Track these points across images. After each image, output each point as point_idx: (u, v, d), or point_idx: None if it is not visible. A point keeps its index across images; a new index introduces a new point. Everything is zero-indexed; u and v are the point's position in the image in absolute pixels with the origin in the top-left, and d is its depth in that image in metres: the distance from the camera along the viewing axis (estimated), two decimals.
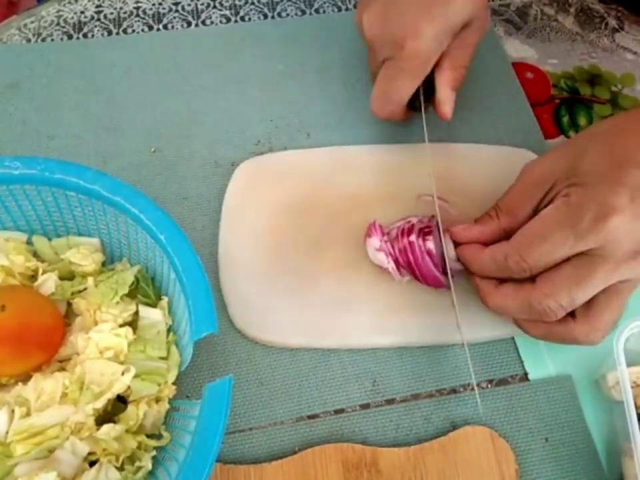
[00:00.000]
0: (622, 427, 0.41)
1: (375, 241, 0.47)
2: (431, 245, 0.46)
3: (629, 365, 0.41)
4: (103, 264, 0.45)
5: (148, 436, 0.40)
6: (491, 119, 0.57)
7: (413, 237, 0.46)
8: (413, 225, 0.47)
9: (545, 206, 0.42)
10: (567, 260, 0.40)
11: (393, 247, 0.47)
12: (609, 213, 0.39)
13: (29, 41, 0.61)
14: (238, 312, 0.47)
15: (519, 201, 0.44)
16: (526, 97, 0.58)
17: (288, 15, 0.62)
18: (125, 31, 0.59)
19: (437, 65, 0.50)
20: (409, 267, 0.47)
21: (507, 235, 0.43)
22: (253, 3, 0.59)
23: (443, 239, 0.46)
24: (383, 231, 0.48)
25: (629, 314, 0.42)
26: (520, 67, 0.60)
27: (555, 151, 0.44)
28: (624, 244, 0.39)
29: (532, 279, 0.42)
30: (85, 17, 0.62)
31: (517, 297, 0.42)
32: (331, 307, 0.47)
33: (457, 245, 0.46)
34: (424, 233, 0.47)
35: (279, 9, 0.62)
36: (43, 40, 0.61)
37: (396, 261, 0.47)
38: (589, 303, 0.41)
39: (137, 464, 0.38)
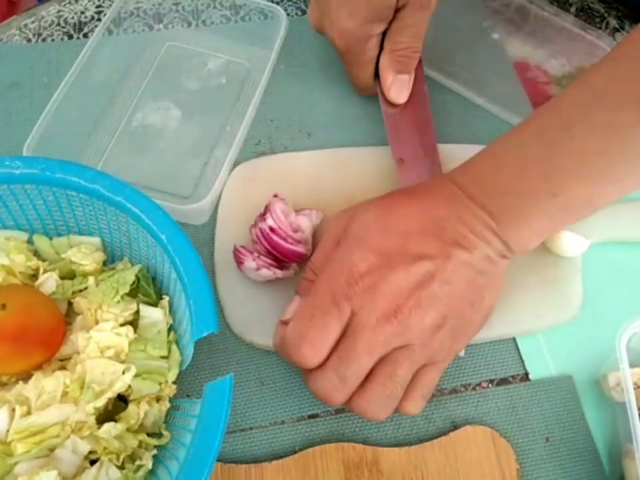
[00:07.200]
0: (623, 428, 0.41)
1: (250, 264, 0.45)
2: (270, 221, 0.45)
3: (631, 365, 0.40)
4: (104, 263, 0.45)
5: (149, 435, 0.39)
6: (490, 120, 0.57)
7: (259, 225, 0.45)
8: (256, 219, 0.47)
9: None
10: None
11: (261, 254, 0.46)
12: (354, 274, 0.37)
13: (29, 41, 0.61)
14: (234, 315, 0.47)
15: (323, 260, 0.41)
16: (527, 97, 0.58)
17: (288, 14, 0.62)
18: (125, 31, 0.59)
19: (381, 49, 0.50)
20: (268, 254, 0.45)
21: None
22: (253, 3, 0.59)
23: None
24: (248, 249, 0.46)
25: (631, 313, 0.42)
26: (521, 67, 0.60)
27: (360, 205, 0.41)
28: (378, 305, 0.36)
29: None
30: (85, 17, 0.62)
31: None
32: None
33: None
34: (262, 215, 0.46)
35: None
36: (44, 40, 0.61)
37: (273, 260, 0.46)
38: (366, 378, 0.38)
39: (138, 463, 0.38)
